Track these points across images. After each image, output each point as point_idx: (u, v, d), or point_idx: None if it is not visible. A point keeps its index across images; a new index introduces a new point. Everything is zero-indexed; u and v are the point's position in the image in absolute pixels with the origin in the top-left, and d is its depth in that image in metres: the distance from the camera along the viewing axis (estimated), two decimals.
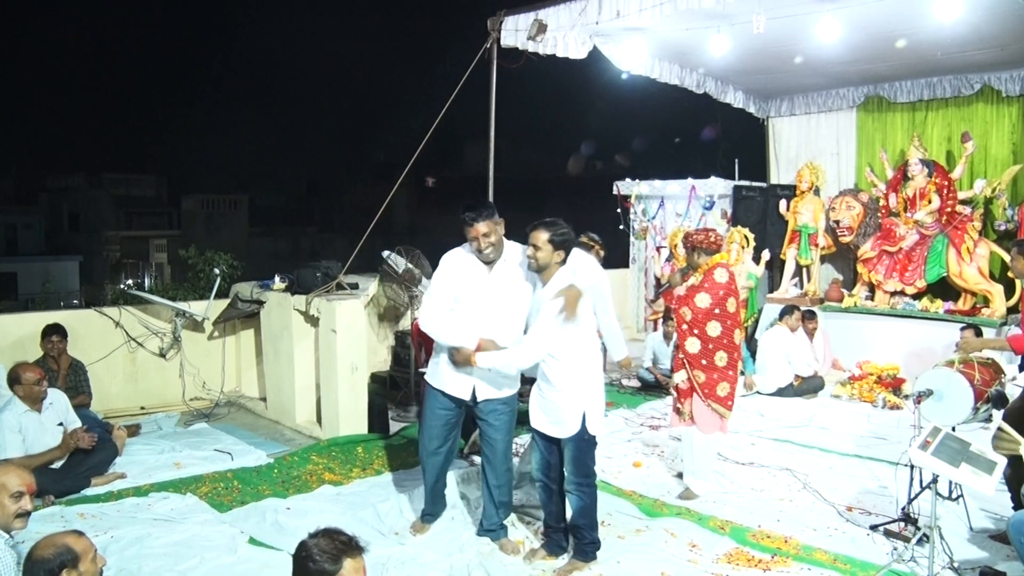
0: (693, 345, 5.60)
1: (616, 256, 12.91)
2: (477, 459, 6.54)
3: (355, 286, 7.72)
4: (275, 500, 5.71)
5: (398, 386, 8.29)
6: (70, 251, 38.22)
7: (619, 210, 12.50)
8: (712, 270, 5.60)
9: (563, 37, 7.94)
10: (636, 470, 6.37)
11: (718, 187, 11.44)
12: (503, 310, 4.66)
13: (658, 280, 11.71)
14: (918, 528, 4.79)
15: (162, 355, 8.36)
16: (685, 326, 5.64)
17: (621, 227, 12.50)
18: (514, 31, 7.94)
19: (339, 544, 2.65)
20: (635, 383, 9.19)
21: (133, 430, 7.26)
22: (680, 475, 6.06)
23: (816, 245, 10.50)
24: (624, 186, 12.43)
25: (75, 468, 5.94)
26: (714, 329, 5.54)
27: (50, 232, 41.89)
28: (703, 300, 5.55)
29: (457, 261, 4.78)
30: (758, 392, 8.69)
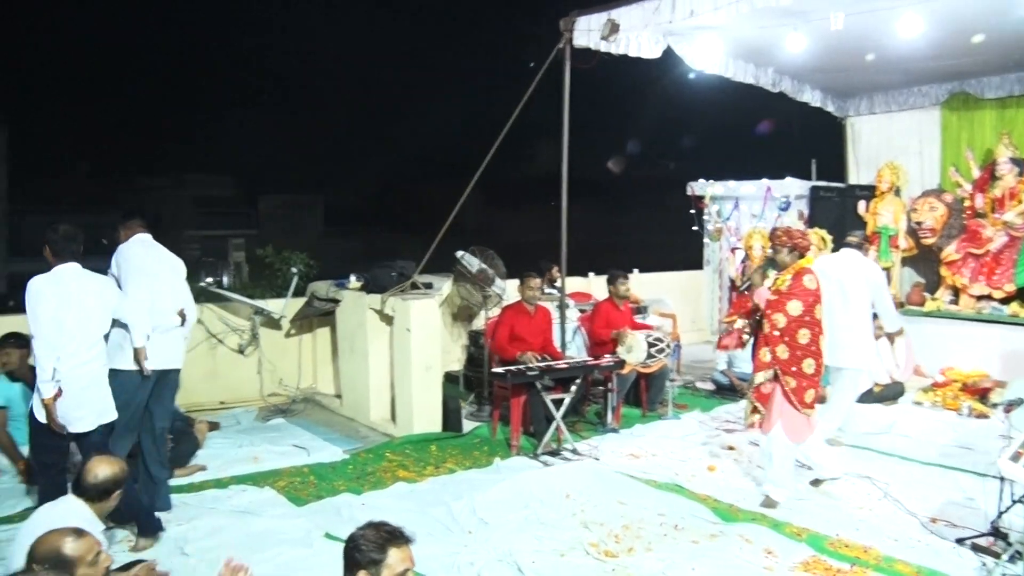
0: (783, 352, 5.50)
1: (690, 257, 12.80)
2: (549, 458, 6.55)
3: (429, 285, 7.78)
4: (350, 496, 5.79)
5: (471, 386, 8.32)
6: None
7: (692, 211, 12.36)
8: (801, 275, 5.50)
9: (636, 37, 7.88)
10: (710, 474, 6.29)
11: (794, 188, 11.23)
12: None
13: (733, 282, 11.53)
14: (1009, 544, 4.61)
15: (241, 352, 8.54)
16: (777, 332, 5.51)
17: (695, 228, 12.36)
18: (587, 31, 7.89)
19: (384, 534, 2.71)
20: (709, 386, 9.07)
21: (213, 425, 7.44)
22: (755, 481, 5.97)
23: (896, 247, 10.22)
24: (698, 187, 12.29)
25: None
26: (804, 337, 5.44)
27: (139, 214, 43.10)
28: (795, 308, 5.45)
29: None
30: None
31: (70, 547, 3.11)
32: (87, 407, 4.73)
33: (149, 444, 5.41)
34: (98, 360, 4.83)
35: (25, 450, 6.29)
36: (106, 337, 4.95)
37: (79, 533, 3.21)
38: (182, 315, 5.46)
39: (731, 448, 6.85)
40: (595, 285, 10.51)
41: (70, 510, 3.75)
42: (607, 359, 7.29)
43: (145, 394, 5.30)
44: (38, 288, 4.62)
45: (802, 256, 5.57)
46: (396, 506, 5.57)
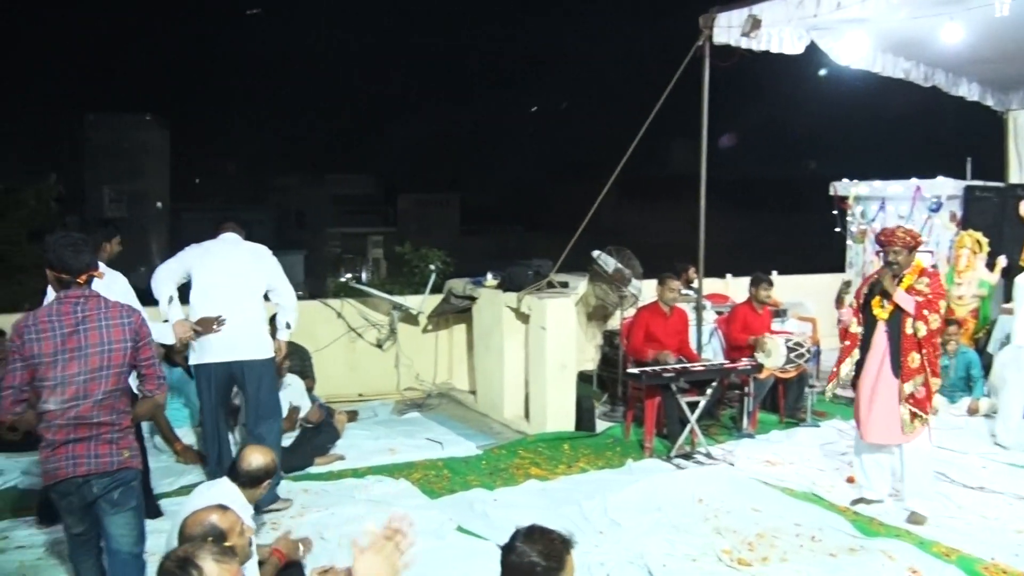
0: (931, 354, 5.29)
1: (831, 259, 12.36)
2: (682, 461, 6.47)
3: (565, 284, 7.79)
4: (483, 491, 5.86)
5: (605, 385, 8.30)
6: (296, 246, 40.99)
7: (835, 212, 11.92)
8: (935, 275, 5.29)
9: (778, 32, 7.67)
10: (850, 485, 6.01)
11: (947, 187, 10.66)
12: None
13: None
14: None
15: (379, 346, 8.77)
16: (926, 334, 5.27)
17: (837, 229, 11.92)
18: (727, 28, 7.73)
19: (558, 545, 2.60)
20: (850, 393, 8.72)
21: (351, 415, 7.67)
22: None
23: None
24: (841, 187, 11.84)
25: (301, 447, 6.41)
26: (934, 346, 5.29)
27: (278, 228, 45.02)
28: (935, 321, 5.25)
29: None
30: (986, 415, 7.96)
31: (219, 519, 3.30)
32: None
33: None
34: None
35: (181, 432, 6.71)
36: None
37: (224, 508, 3.40)
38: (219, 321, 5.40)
39: None
40: (733, 287, 10.30)
41: (224, 492, 3.95)
42: (744, 362, 7.14)
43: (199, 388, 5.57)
44: None
45: (914, 251, 5.34)
46: (528, 503, 5.61)
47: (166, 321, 5.29)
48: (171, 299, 5.37)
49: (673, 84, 7.76)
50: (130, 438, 3.74)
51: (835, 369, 5.91)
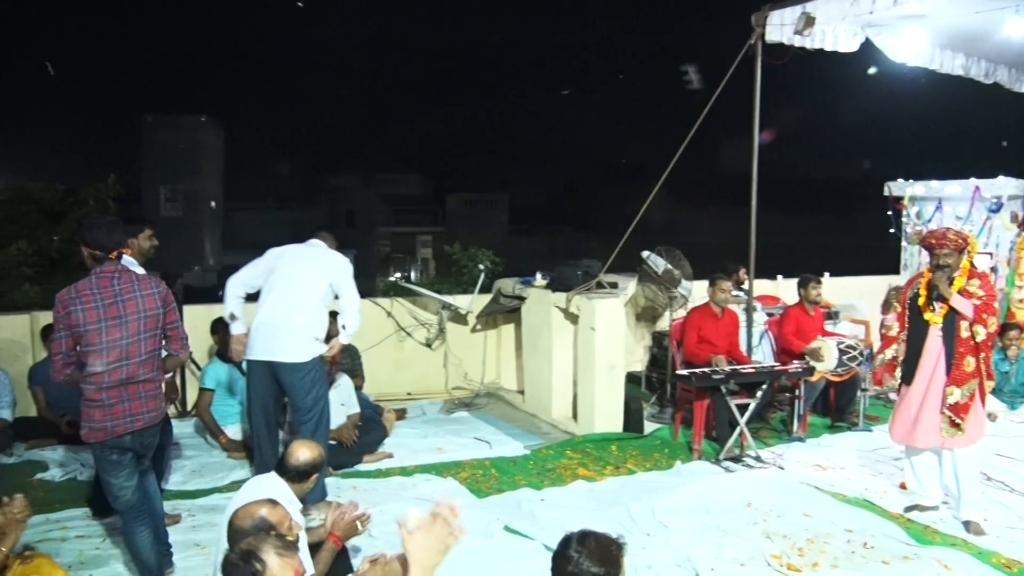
0: (970, 364, 5.17)
1: (885, 261, 12.14)
2: (731, 464, 6.39)
3: (614, 285, 7.76)
4: (530, 491, 5.86)
5: (653, 387, 8.25)
6: (346, 245, 41.20)
7: (890, 212, 11.71)
8: (986, 276, 5.17)
9: (832, 30, 7.53)
10: (904, 492, 5.86)
11: (1008, 187, 10.41)
12: None
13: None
14: None
15: (428, 345, 8.82)
16: (983, 337, 5.17)
17: (892, 230, 11.71)
18: (779, 26, 7.62)
19: (615, 551, 2.57)
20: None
21: (400, 414, 7.73)
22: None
23: None
24: (896, 187, 11.62)
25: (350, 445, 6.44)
26: (989, 349, 5.20)
27: (329, 227, 45.47)
28: (993, 324, 5.15)
29: None
30: None
31: (268, 513, 3.35)
32: None
33: None
34: None
35: (232, 430, 6.83)
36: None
37: (273, 503, 3.45)
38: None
39: None
40: (783, 288, 10.17)
41: (272, 487, 3.99)
42: (795, 365, 7.04)
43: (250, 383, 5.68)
44: None
45: (962, 253, 5.22)
46: (575, 504, 5.60)
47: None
48: (233, 316, 5.53)
49: (725, 83, 7.69)
50: (163, 391, 4.35)
51: (876, 369, 5.79)
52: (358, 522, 4.09)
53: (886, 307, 8.38)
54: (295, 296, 5.51)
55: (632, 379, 8.48)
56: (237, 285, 5.57)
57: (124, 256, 4.27)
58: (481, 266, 9.21)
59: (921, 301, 5.33)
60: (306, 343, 5.49)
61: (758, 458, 6.60)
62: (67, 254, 9.46)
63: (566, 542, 2.56)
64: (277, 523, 3.36)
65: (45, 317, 6.99)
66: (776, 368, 7.04)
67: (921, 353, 5.33)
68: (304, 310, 5.49)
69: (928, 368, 5.30)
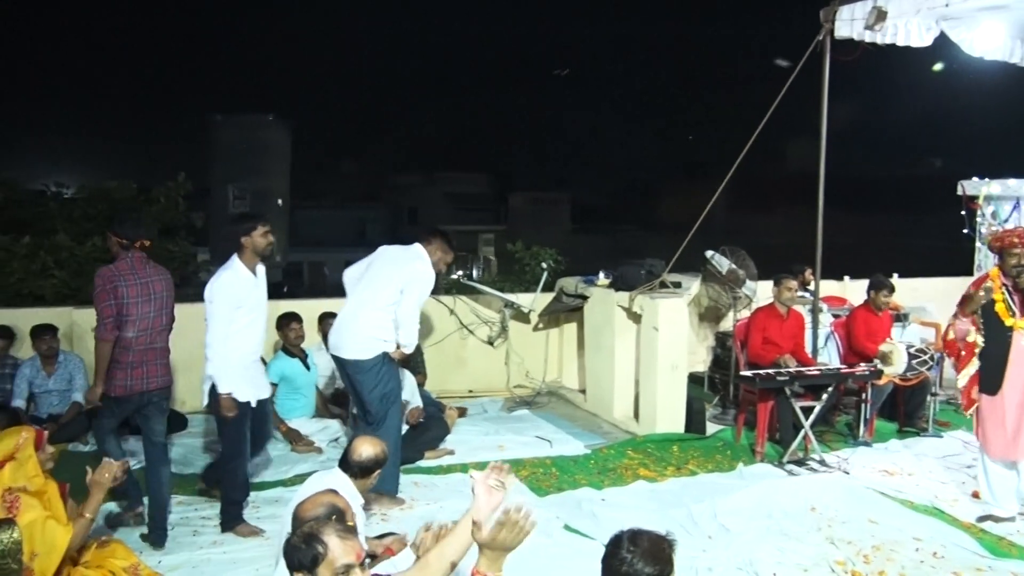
0: None
1: (957, 262, 11.84)
2: (795, 468, 6.31)
3: (678, 285, 7.72)
4: (590, 490, 5.87)
5: (716, 388, 8.18)
6: (409, 243, 41.67)
7: (963, 212, 11.41)
8: None
9: (905, 24, 7.37)
10: (976, 501, 5.71)
11: None
12: None
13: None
14: None
15: (490, 343, 8.86)
16: None
17: (965, 231, 11.41)
18: (849, 21, 7.47)
19: (668, 549, 2.57)
20: None
21: (461, 411, 7.78)
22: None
23: None
24: (971, 186, 11.30)
25: (412, 441, 6.52)
26: None
27: (392, 225, 45.92)
28: None
29: None
30: None
31: (333, 501, 3.47)
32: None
33: None
34: None
35: (292, 421, 6.96)
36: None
37: (335, 493, 3.57)
38: None
39: None
40: (850, 289, 9.98)
41: (336, 482, 4.07)
42: (862, 368, 6.91)
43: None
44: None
45: None
46: (636, 504, 5.59)
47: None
48: None
49: (792, 80, 7.57)
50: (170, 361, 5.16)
51: (963, 388, 5.56)
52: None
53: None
54: (366, 295, 5.62)
55: (694, 379, 8.40)
56: (345, 279, 5.88)
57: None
58: (544, 265, 9.22)
59: (999, 307, 5.18)
60: (367, 341, 5.56)
61: (822, 462, 6.50)
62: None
63: (617, 542, 2.56)
64: (345, 509, 3.46)
65: None
66: (842, 370, 6.93)
67: (1007, 361, 5.18)
68: (370, 310, 5.57)
69: (1019, 377, 5.15)
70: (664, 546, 2.54)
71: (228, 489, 5.20)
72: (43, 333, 6.99)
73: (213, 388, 5.00)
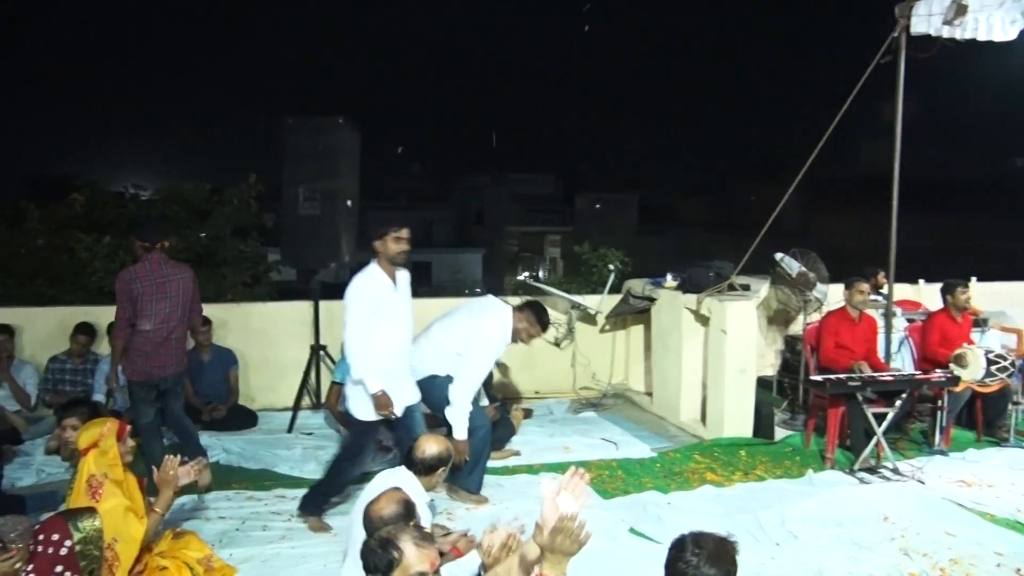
0: None
1: None
2: (866, 475, 6.17)
3: (746, 287, 7.62)
4: (656, 494, 5.83)
5: (785, 392, 8.05)
6: (475, 244, 41.96)
7: None
8: None
9: (987, 18, 7.15)
10: None
11: None
12: None
13: None
14: None
15: (557, 344, 8.84)
16: None
17: None
18: (926, 16, 7.28)
19: (732, 552, 2.56)
20: None
21: (527, 412, 7.79)
22: None
23: None
24: None
25: None
26: None
27: (459, 226, 46.22)
28: None
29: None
30: None
31: (403, 498, 3.58)
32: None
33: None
34: None
35: None
36: None
37: (399, 492, 3.65)
38: None
39: None
40: (925, 293, 9.73)
41: (401, 479, 4.13)
42: (938, 374, 6.73)
43: None
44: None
45: None
46: (702, 509, 5.53)
47: None
48: None
49: (866, 78, 7.41)
50: (185, 349, 5.92)
51: None
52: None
53: None
54: (435, 328, 5.90)
55: (763, 384, 8.28)
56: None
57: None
58: (611, 266, 9.18)
59: None
60: (436, 359, 5.73)
61: (896, 470, 6.34)
62: (212, 251, 9.94)
63: (681, 544, 2.58)
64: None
65: None
66: (917, 376, 6.75)
67: None
68: (436, 340, 5.80)
69: None
70: (728, 548, 2.53)
71: (328, 483, 5.31)
72: None
73: (351, 391, 5.11)
